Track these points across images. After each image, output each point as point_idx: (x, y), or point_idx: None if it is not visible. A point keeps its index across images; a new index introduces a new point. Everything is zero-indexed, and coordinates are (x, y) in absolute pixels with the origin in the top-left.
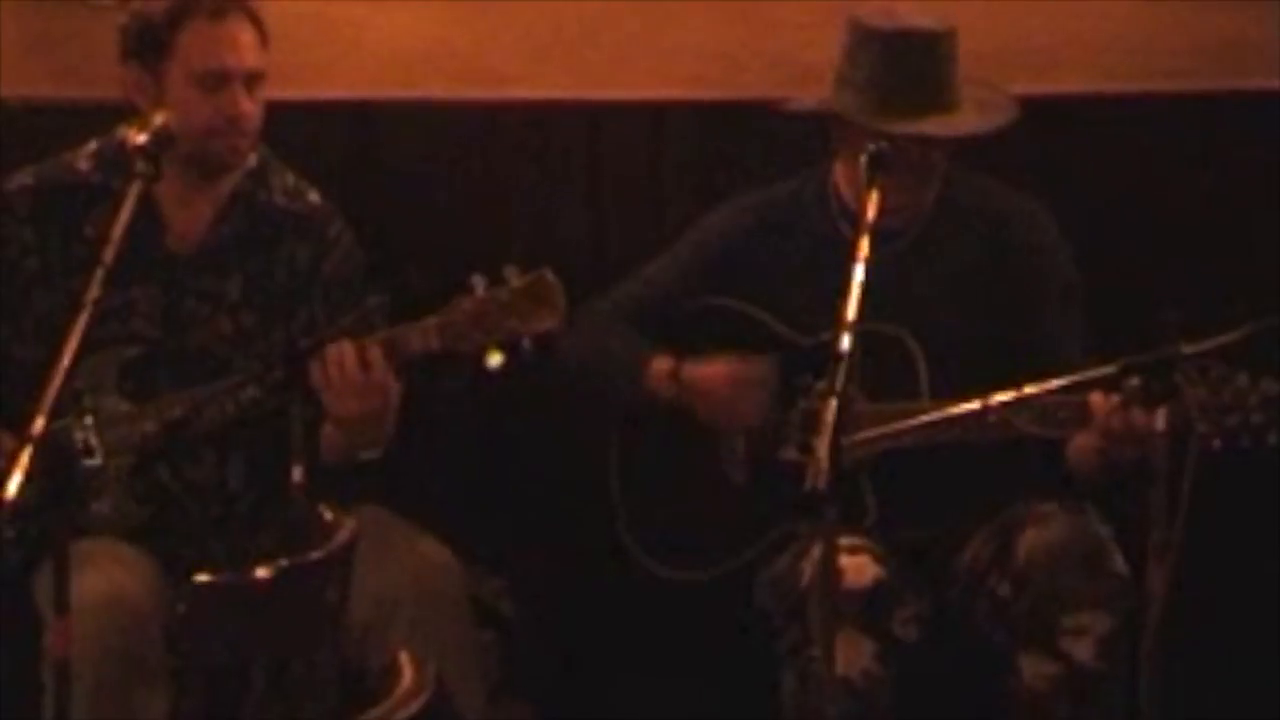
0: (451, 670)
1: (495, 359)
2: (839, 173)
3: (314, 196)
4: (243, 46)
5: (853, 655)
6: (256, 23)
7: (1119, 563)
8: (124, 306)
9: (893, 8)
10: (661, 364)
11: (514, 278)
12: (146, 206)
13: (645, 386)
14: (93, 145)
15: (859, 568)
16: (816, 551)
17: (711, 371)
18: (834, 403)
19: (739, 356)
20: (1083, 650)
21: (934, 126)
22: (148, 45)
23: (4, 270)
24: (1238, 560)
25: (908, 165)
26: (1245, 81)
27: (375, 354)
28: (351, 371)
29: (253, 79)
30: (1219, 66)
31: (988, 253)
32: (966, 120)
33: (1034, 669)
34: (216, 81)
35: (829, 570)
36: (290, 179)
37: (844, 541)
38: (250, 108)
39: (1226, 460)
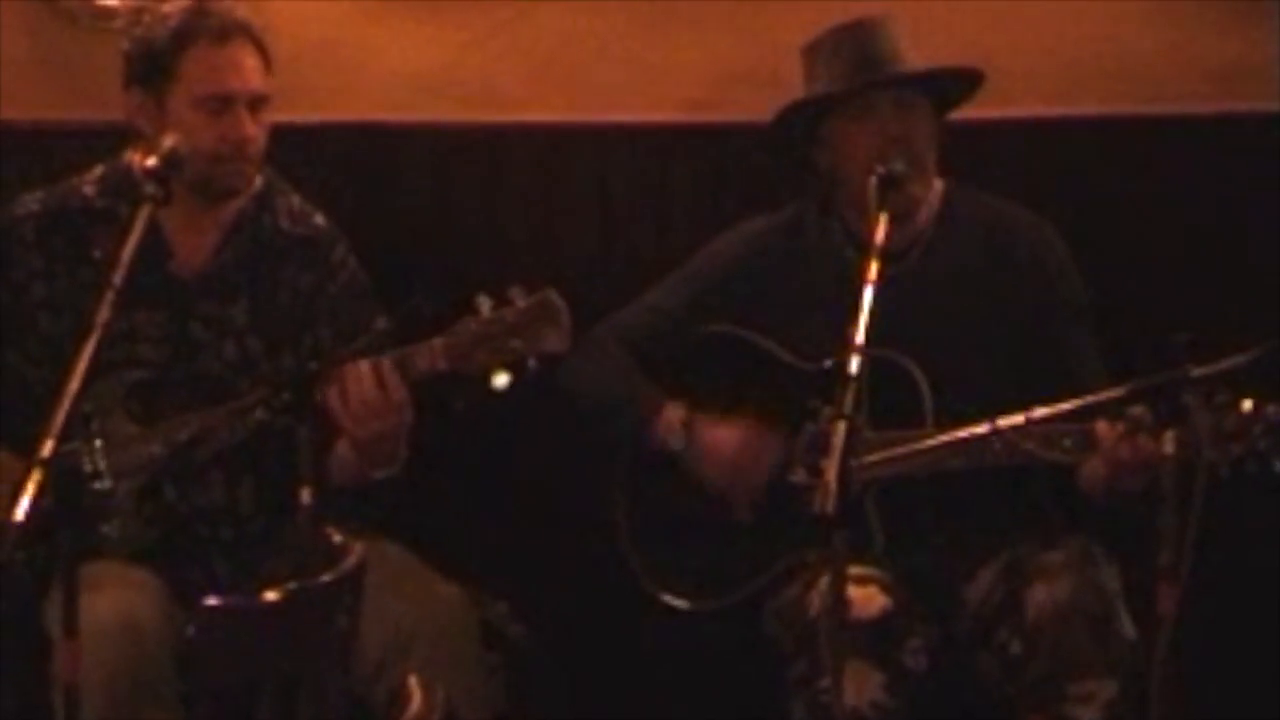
0: (459, 694)
1: (501, 379)
2: (840, 197)
3: (319, 219)
4: (246, 70)
5: (862, 686)
6: (260, 47)
7: (1126, 625)
8: (130, 331)
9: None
10: (673, 413)
11: (519, 298)
12: (151, 231)
13: (653, 433)
14: (98, 170)
15: (867, 598)
16: (825, 581)
17: (724, 435)
18: (842, 426)
19: (751, 424)
20: (1089, 716)
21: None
22: (151, 69)
23: (11, 295)
24: (1246, 585)
25: (895, 141)
26: (1251, 104)
27: (391, 373)
28: (370, 392)
29: (257, 102)
30: (1226, 90)
31: (993, 268)
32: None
33: None
34: (220, 105)
35: (838, 596)
36: (295, 202)
37: (852, 571)
38: (254, 131)
39: (1233, 485)
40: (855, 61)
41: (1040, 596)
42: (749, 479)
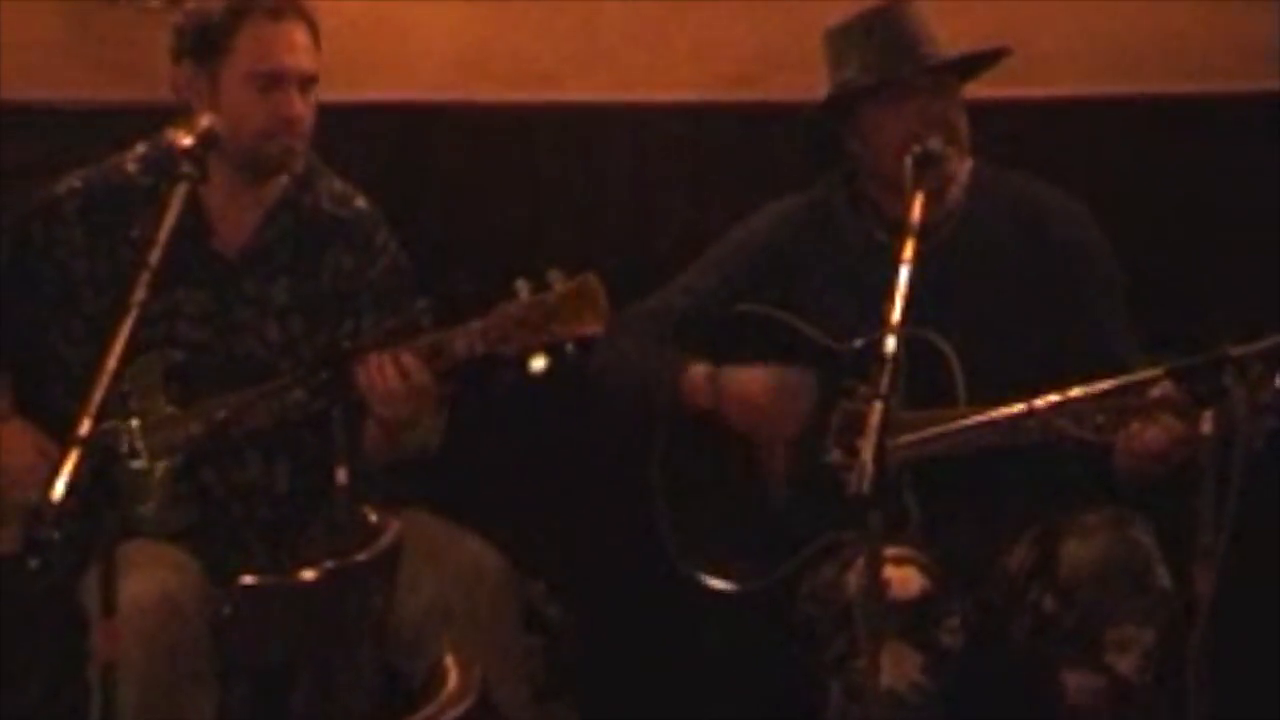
0: (497, 674)
1: (539, 363)
2: (868, 179)
3: (361, 202)
4: (299, 49)
5: (900, 667)
6: (312, 26)
7: (1163, 574)
8: (171, 309)
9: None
10: (697, 371)
11: (558, 282)
12: (194, 209)
13: (682, 395)
14: (140, 148)
15: (905, 579)
16: (862, 561)
17: (750, 378)
18: (879, 406)
19: (778, 365)
20: (1127, 664)
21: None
22: (204, 44)
23: (53, 272)
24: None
25: (934, 123)
26: (1272, 82)
27: (410, 361)
28: (392, 379)
29: (307, 82)
30: (1261, 67)
31: (1025, 245)
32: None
33: (1078, 683)
34: (272, 82)
35: (874, 574)
36: (337, 184)
37: (890, 552)
38: (303, 110)
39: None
40: (889, 46)
41: (1074, 551)
42: (783, 418)
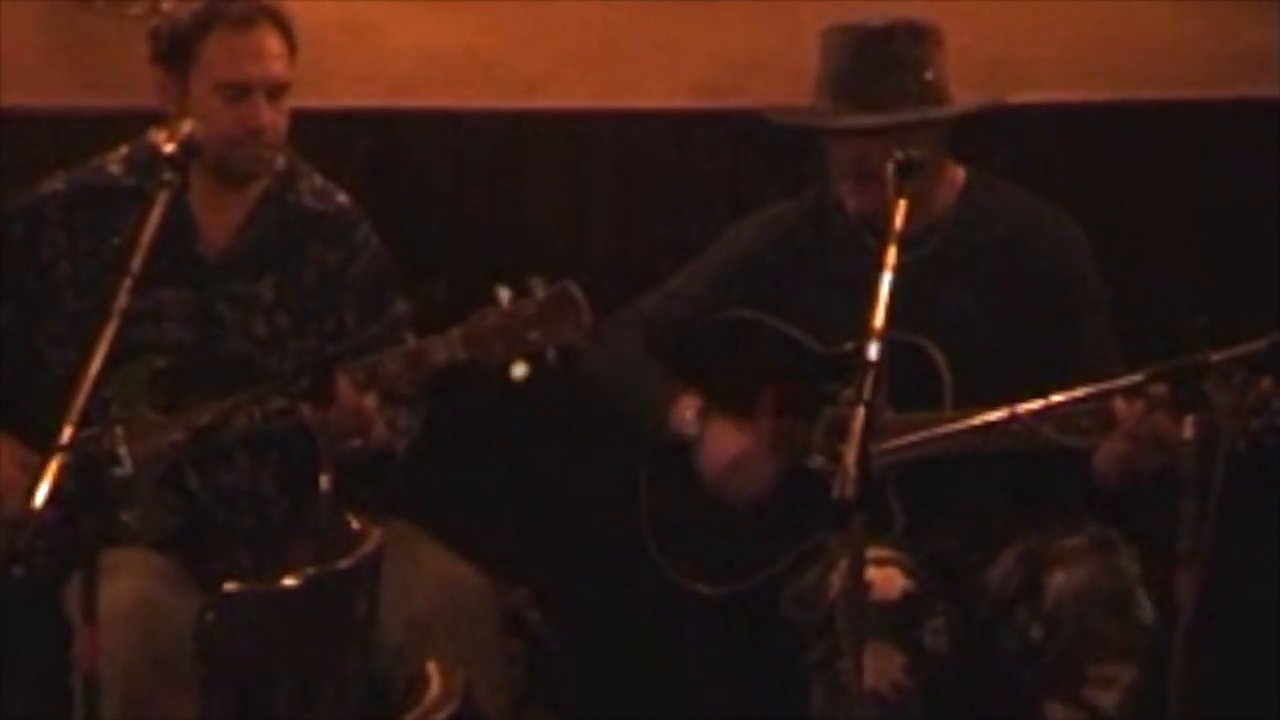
0: (478, 679)
1: (520, 370)
2: (836, 184)
3: (342, 198)
4: (267, 57)
5: (882, 667)
6: (285, 32)
7: (1146, 609)
8: (156, 310)
9: (883, 10)
10: (689, 402)
11: (538, 289)
12: (178, 210)
13: (669, 422)
14: (124, 150)
15: (888, 580)
16: (845, 564)
17: (720, 447)
18: (862, 411)
19: (761, 435)
20: (1108, 700)
21: (865, 120)
22: (174, 52)
23: (37, 274)
24: (1265, 569)
25: (858, 159)
26: (1268, 90)
27: (369, 402)
28: (347, 413)
29: (276, 90)
30: (1242, 75)
31: (1012, 255)
32: (901, 115)
33: (1060, 716)
34: (237, 92)
35: (857, 579)
36: (318, 180)
37: (873, 554)
38: (272, 118)
39: (1252, 467)
40: (851, 72)
41: (1059, 581)
42: (740, 487)
